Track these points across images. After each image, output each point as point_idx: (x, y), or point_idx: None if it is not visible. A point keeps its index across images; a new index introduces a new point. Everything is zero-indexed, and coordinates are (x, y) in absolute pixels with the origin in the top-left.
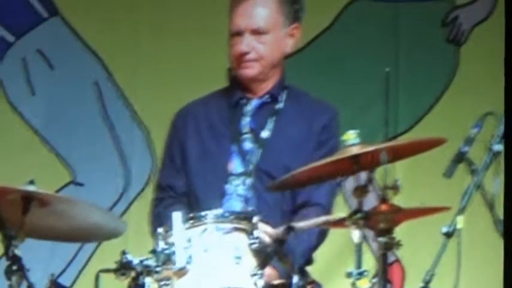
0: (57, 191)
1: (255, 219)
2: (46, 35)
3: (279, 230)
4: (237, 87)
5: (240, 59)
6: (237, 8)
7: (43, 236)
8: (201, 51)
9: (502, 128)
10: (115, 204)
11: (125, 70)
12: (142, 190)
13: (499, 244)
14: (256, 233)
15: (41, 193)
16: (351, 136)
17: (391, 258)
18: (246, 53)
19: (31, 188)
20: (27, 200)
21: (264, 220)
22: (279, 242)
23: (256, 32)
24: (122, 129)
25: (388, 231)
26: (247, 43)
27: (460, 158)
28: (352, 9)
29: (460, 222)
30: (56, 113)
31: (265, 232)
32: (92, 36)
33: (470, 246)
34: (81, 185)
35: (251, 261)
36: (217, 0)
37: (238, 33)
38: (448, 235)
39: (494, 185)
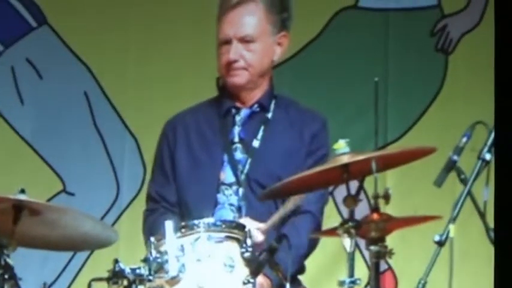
0: (49, 200)
1: (244, 220)
2: (35, 44)
3: (271, 222)
4: (227, 96)
5: (228, 67)
6: (225, 17)
7: (34, 245)
8: (191, 60)
9: (491, 137)
10: (106, 213)
11: (114, 79)
12: (134, 199)
13: (491, 252)
14: (248, 241)
15: (32, 202)
16: (341, 145)
17: (383, 267)
18: (235, 61)
19: (22, 197)
20: (18, 209)
21: (253, 218)
22: (270, 250)
23: (244, 40)
24: (112, 138)
25: (379, 240)
26: (235, 51)
27: (450, 166)
28: (342, 18)
29: (452, 230)
30: (45, 123)
31: (257, 228)
32: (81, 45)
33: (462, 254)
34: (72, 194)
35: (243, 270)
36: (208, 10)
37: (227, 42)
38: (440, 244)
39: (485, 193)
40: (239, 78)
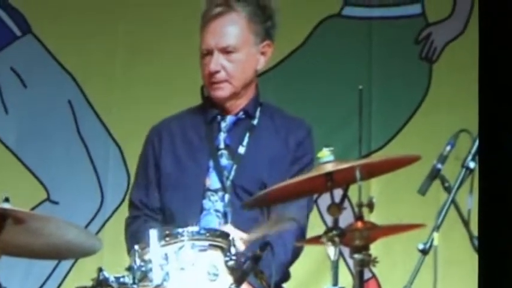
0: (33, 208)
1: (228, 227)
2: (19, 53)
3: (254, 235)
4: (211, 106)
5: (210, 78)
6: (207, 27)
7: (19, 253)
8: (175, 69)
9: (475, 145)
10: (91, 221)
11: (98, 87)
12: (118, 207)
13: (475, 260)
14: (232, 249)
15: (16, 211)
16: (325, 153)
17: (367, 275)
18: (216, 72)
19: (6, 205)
20: (2, 217)
21: (239, 224)
22: (255, 258)
23: (226, 51)
24: (97, 147)
25: (363, 248)
26: (216, 62)
27: (434, 175)
28: (326, 26)
29: (436, 239)
30: (29, 132)
31: (240, 239)
32: (65, 53)
33: (446, 262)
34: (56, 202)
35: (227, 278)
36: (192, 20)
37: (209, 52)
38: (424, 252)
39: (469, 201)
40: (222, 91)
